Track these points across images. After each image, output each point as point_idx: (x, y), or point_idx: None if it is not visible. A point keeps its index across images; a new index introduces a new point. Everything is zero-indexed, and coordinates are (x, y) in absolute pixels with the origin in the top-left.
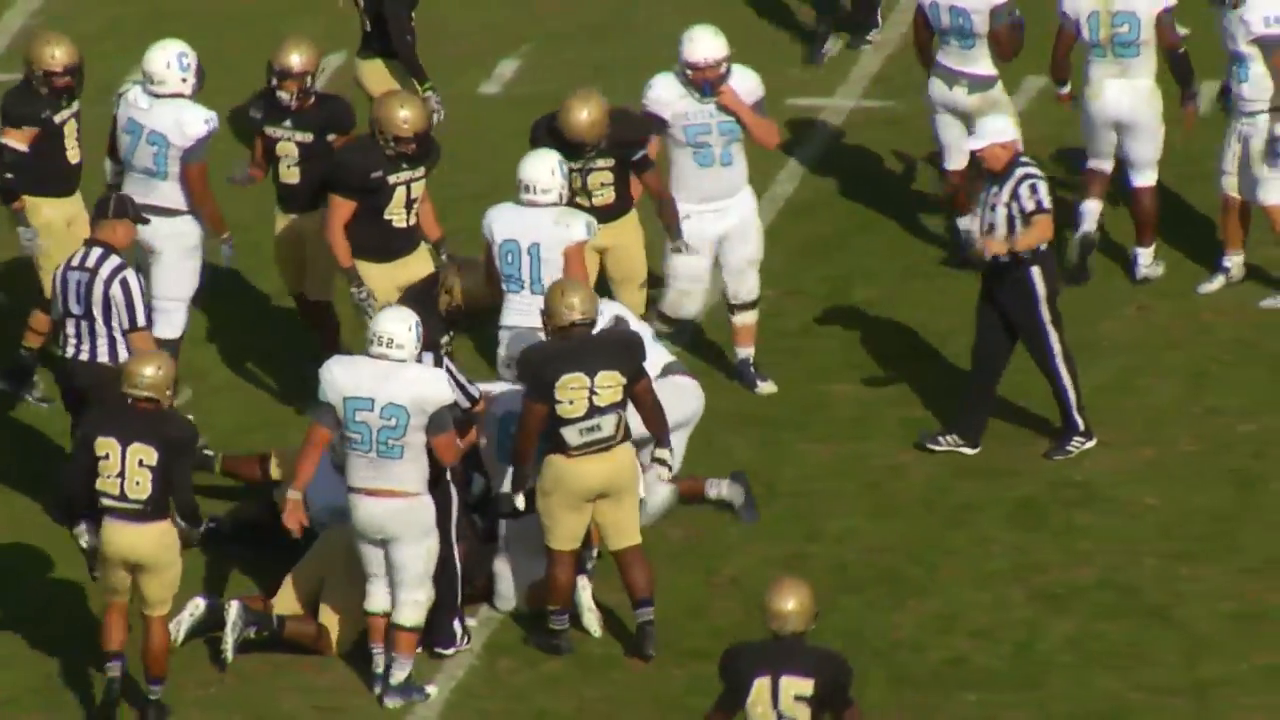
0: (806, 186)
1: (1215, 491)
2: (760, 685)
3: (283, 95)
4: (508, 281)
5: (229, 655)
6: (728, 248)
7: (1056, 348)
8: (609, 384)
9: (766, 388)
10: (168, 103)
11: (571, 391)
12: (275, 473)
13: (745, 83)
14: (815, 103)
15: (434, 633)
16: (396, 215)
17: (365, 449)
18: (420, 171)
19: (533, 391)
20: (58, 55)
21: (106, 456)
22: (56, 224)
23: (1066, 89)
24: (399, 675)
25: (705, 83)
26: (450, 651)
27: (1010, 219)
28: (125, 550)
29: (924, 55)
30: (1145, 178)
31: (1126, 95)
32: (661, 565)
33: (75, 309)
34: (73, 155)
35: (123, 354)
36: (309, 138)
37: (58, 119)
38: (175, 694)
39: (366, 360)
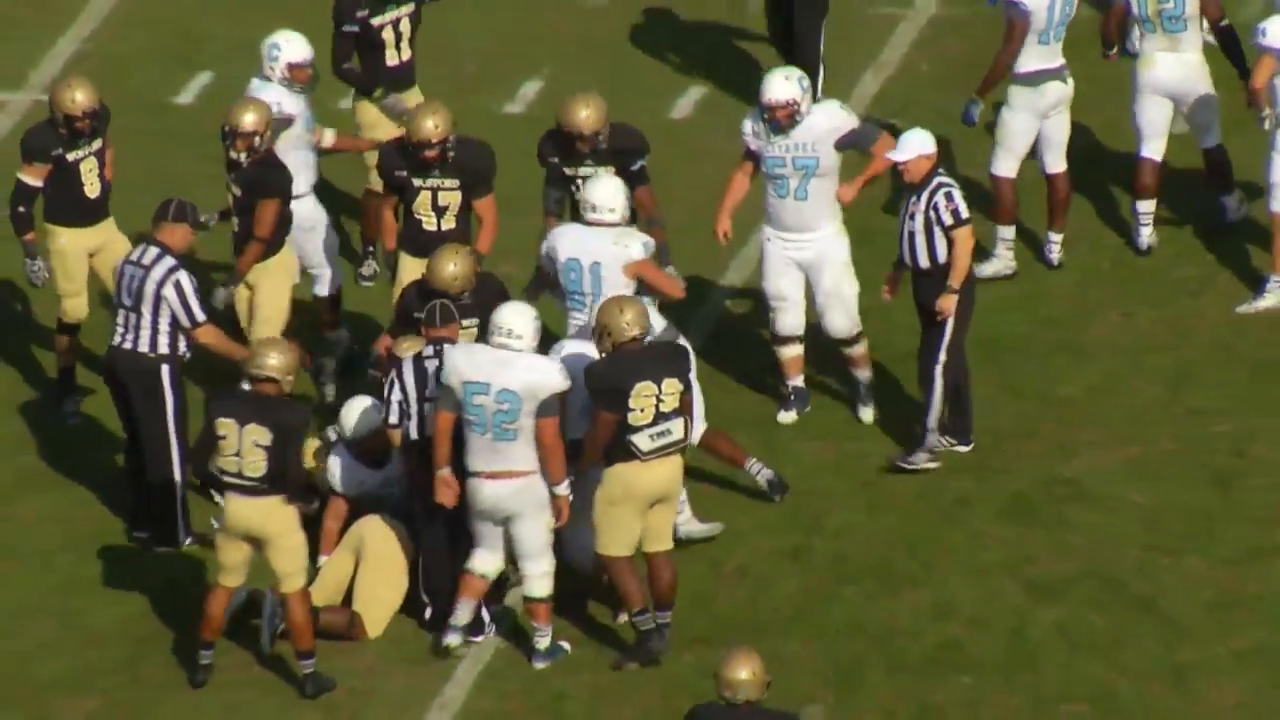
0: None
1: (1195, 488)
2: None
3: (232, 154)
4: (570, 297)
5: (266, 644)
6: (811, 280)
7: (942, 358)
8: (671, 390)
9: (787, 417)
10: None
11: (643, 399)
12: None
13: (830, 118)
14: None
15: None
16: (425, 217)
17: (482, 431)
18: (451, 182)
19: (606, 402)
20: (78, 99)
21: (225, 436)
22: (71, 251)
23: (1114, 50)
24: (542, 642)
25: (774, 122)
26: (480, 639)
27: (929, 227)
28: (244, 523)
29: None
30: (1211, 138)
31: (1177, 68)
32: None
33: (126, 301)
34: (90, 190)
35: (163, 346)
36: (239, 192)
37: (70, 157)
38: (219, 675)
39: (486, 348)
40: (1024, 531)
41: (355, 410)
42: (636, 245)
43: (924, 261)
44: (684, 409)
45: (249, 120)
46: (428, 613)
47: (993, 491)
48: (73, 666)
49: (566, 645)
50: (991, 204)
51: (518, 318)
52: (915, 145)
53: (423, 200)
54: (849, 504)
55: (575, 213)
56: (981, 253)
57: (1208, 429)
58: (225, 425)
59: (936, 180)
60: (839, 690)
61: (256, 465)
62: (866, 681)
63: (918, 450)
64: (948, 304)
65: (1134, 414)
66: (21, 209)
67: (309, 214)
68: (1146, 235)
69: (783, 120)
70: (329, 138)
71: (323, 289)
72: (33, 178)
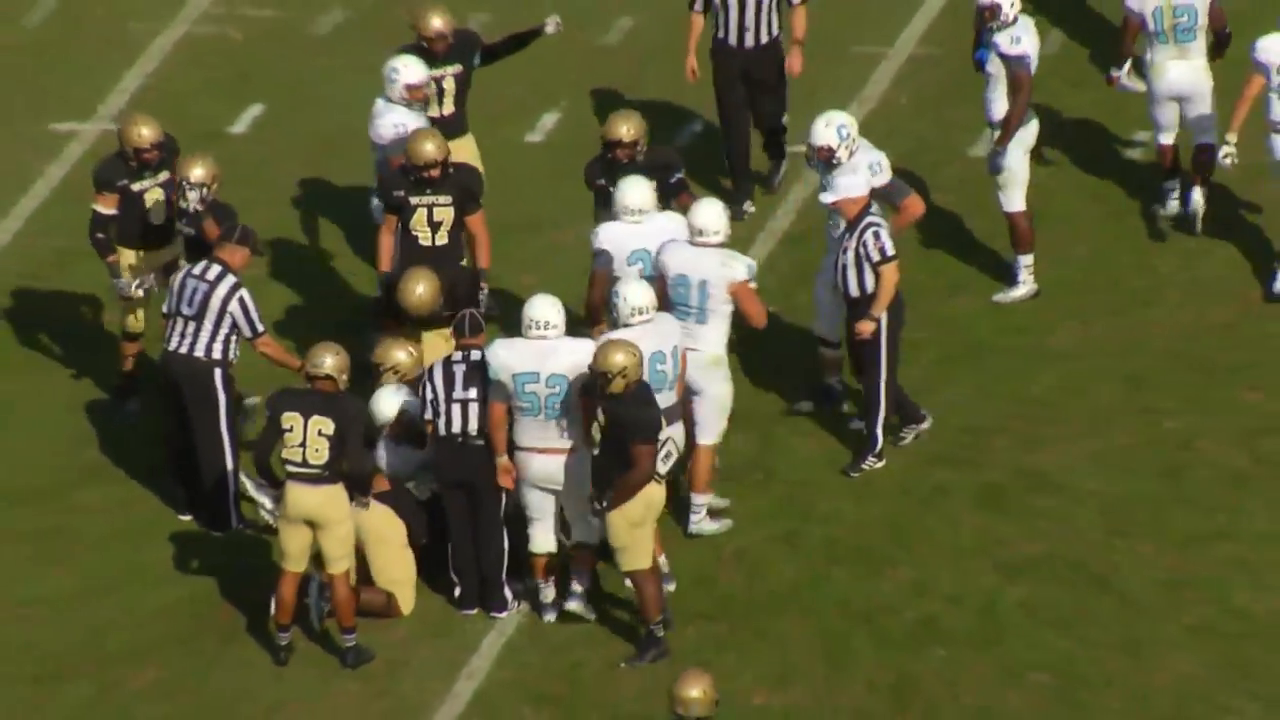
0: (800, 220)
1: (1147, 478)
2: None
3: (182, 203)
4: (676, 308)
5: (316, 621)
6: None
7: (884, 375)
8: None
9: (805, 406)
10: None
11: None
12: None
13: (869, 156)
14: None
15: (489, 599)
16: (421, 233)
17: (535, 414)
18: (445, 199)
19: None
20: (145, 134)
21: (290, 429)
22: (138, 272)
23: (1118, 73)
24: (579, 585)
25: (819, 162)
26: (504, 615)
27: (859, 261)
28: (304, 508)
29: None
30: (1208, 136)
31: (1187, 73)
32: (676, 540)
33: (186, 310)
34: (155, 217)
35: (216, 352)
36: (193, 233)
37: (136, 187)
38: (269, 646)
39: (525, 341)
40: (994, 517)
41: (382, 401)
42: (741, 268)
43: (854, 291)
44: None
45: (198, 174)
46: (456, 591)
47: (967, 482)
48: (134, 641)
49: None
50: (1014, 237)
51: (550, 310)
52: (843, 189)
53: (419, 217)
54: (837, 493)
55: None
56: (1009, 280)
57: (1159, 426)
58: (291, 419)
59: (867, 219)
60: (828, 661)
61: (321, 453)
62: (853, 653)
63: (868, 455)
64: (866, 327)
65: (1093, 412)
66: (100, 235)
67: None
68: (1175, 203)
69: (825, 161)
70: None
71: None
72: (105, 206)
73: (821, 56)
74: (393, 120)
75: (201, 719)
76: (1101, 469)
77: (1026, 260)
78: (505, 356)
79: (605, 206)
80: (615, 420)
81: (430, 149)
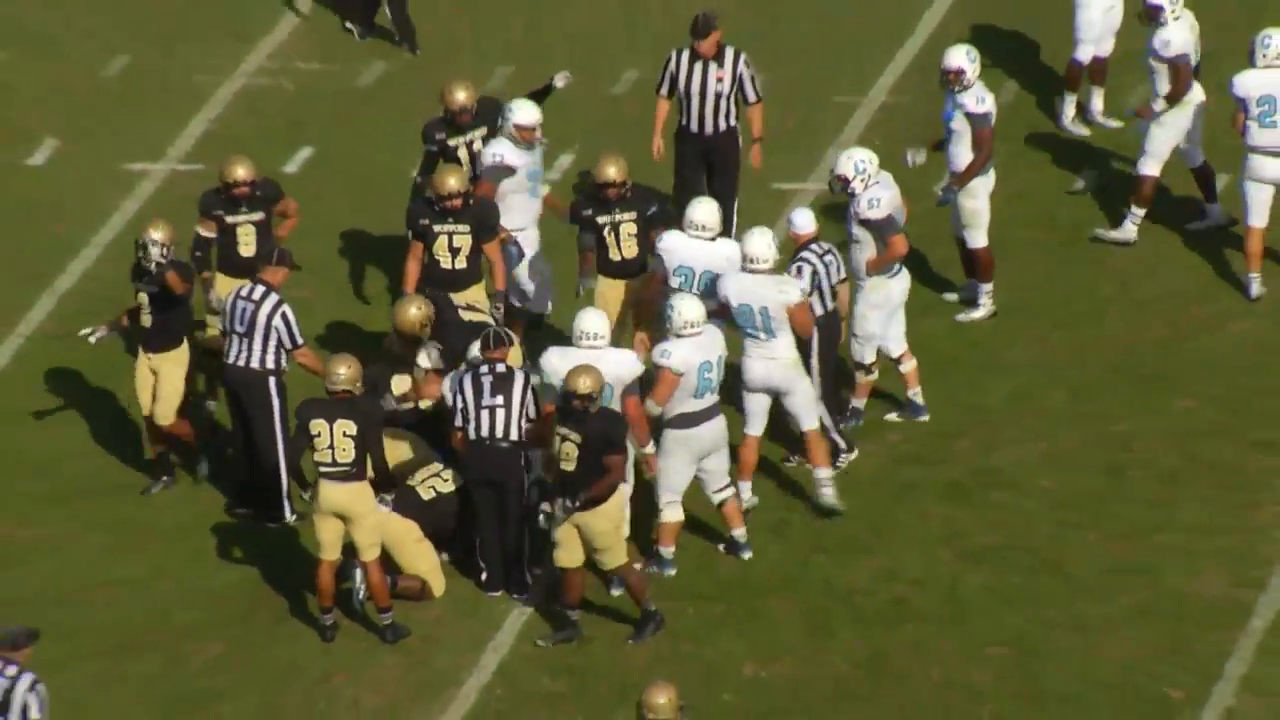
0: (786, 249)
1: (1092, 476)
2: None
3: (144, 262)
4: (748, 332)
5: (358, 603)
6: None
7: (819, 390)
8: None
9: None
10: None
11: None
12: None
13: (887, 192)
14: (793, 186)
15: (512, 582)
16: (443, 257)
17: None
18: (464, 228)
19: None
20: (239, 174)
21: (319, 434)
22: (224, 294)
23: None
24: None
25: (839, 189)
26: (525, 596)
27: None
28: (334, 503)
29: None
30: (1197, 158)
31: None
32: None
33: (239, 328)
34: (244, 250)
35: (269, 363)
36: (155, 290)
37: (229, 220)
38: (317, 624)
39: (576, 350)
40: (957, 510)
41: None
42: (795, 291)
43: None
44: None
45: (159, 235)
46: (483, 575)
47: (933, 479)
48: (199, 618)
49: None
50: (977, 268)
51: (599, 323)
52: (798, 223)
53: (440, 243)
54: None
55: (603, 253)
56: (972, 303)
57: (1103, 429)
58: (318, 425)
59: (801, 254)
60: (811, 637)
61: (347, 452)
62: (833, 630)
63: (837, 455)
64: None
65: (1043, 418)
66: (198, 254)
67: (530, 243)
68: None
69: (843, 189)
70: (543, 190)
71: (534, 307)
72: (204, 230)
73: (805, 105)
74: (493, 150)
75: (258, 688)
76: (1051, 468)
77: (987, 287)
78: (557, 363)
79: (590, 231)
80: (590, 435)
81: (452, 183)
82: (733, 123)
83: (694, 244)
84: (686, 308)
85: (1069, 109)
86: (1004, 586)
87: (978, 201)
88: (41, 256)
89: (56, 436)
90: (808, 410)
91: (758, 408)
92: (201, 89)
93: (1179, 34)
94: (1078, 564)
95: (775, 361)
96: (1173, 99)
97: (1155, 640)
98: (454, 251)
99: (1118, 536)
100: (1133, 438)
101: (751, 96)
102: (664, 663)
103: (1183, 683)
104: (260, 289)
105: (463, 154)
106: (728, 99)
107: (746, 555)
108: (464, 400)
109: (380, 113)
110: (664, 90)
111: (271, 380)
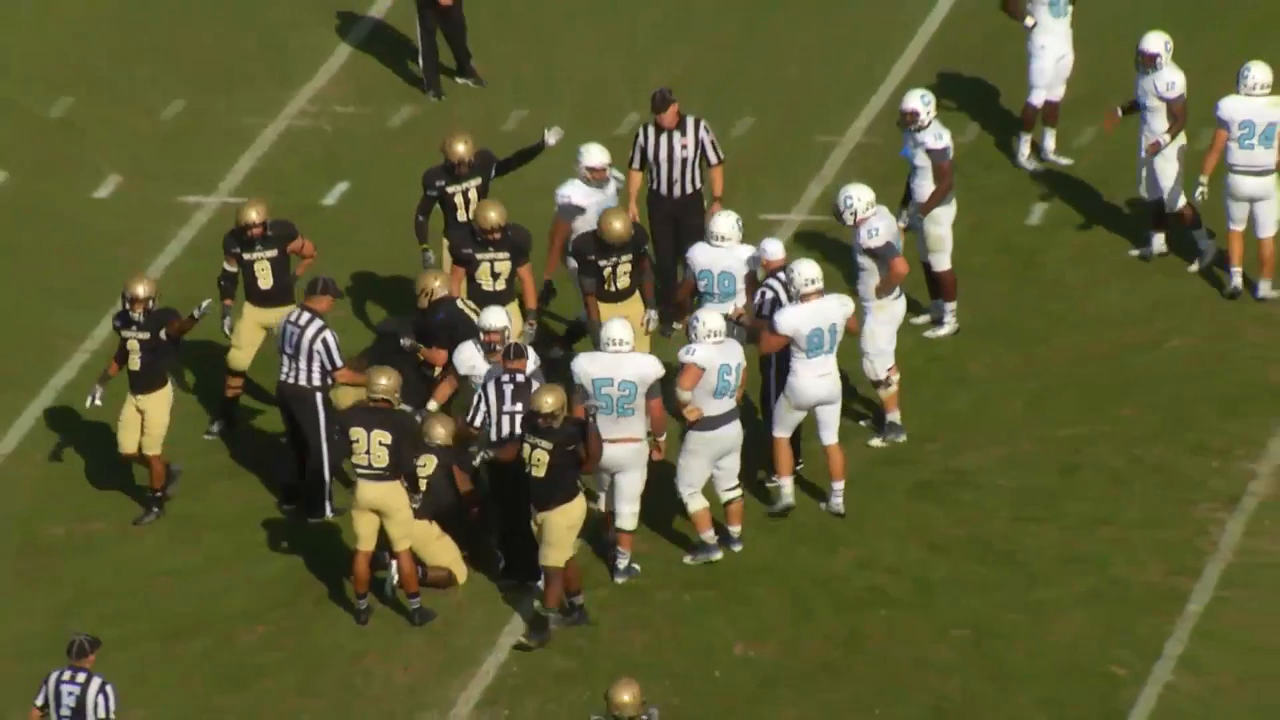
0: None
1: (1046, 476)
2: None
3: (132, 315)
4: (810, 350)
5: (389, 591)
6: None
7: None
8: None
9: (877, 441)
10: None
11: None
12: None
13: (883, 222)
14: (778, 216)
15: (529, 570)
16: (485, 281)
17: (609, 412)
18: (503, 255)
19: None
20: (253, 216)
21: (358, 440)
22: (247, 322)
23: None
24: (623, 562)
25: (839, 220)
26: (540, 583)
27: (759, 309)
28: (370, 500)
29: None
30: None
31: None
32: (677, 519)
33: (289, 350)
34: (263, 283)
35: (315, 380)
36: (147, 336)
37: (247, 257)
38: (353, 608)
39: (604, 355)
40: (925, 506)
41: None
42: (850, 305)
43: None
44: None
45: (141, 291)
46: (501, 564)
47: (903, 478)
48: (246, 603)
49: (637, 567)
50: (942, 289)
51: (624, 330)
52: (769, 250)
53: (484, 269)
54: (802, 488)
55: (599, 284)
56: (937, 321)
57: (1055, 434)
58: (357, 432)
59: (770, 281)
60: (795, 619)
61: (381, 458)
62: (814, 613)
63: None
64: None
65: (1002, 424)
66: (222, 283)
67: None
68: (1206, 251)
69: (840, 219)
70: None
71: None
72: (228, 265)
73: (790, 143)
74: (565, 191)
75: (300, 666)
76: (1009, 469)
77: (951, 306)
78: (587, 366)
79: (590, 274)
80: (557, 442)
81: (493, 217)
82: (698, 185)
83: (713, 251)
84: (710, 319)
85: (1024, 148)
86: (967, 574)
87: (941, 228)
88: (106, 279)
89: (113, 439)
90: (837, 422)
91: (798, 419)
92: (249, 130)
93: (1180, 75)
94: (1032, 554)
95: (829, 377)
96: (1174, 133)
97: (1101, 623)
98: (495, 276)
99: (1068, 530)
100: (1081, 442)
101: (713, 159)
102: (662, 644)
103: (1126, 661)
104: (306, 315)
105: (459, 200)
106: (693, 164)
107: (737, 548)
108: (488, 405)
109: (409, 151)
110: (635, 163)
111: (318, 395)
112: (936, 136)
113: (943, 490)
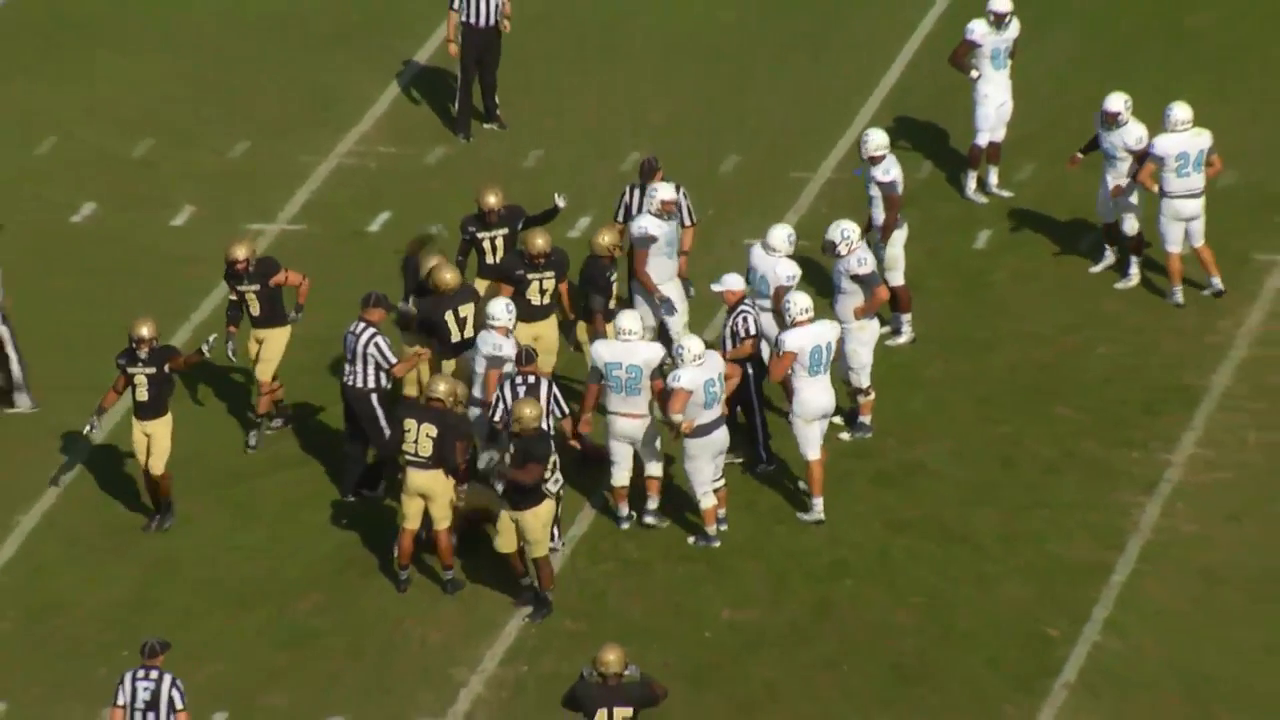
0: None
1: (989, 466)
2: (601, 714)
3: (139, 353)
4: (812, 367)
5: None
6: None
7: (759, 419)
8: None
9: (846, 436)
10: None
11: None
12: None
13: (869, 252)
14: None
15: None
16: (533, 297)
17: (619, 391)
18: (550, 274)
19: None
20: (239, 254)
21: (409, 430)
22: (249, 342)
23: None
24: (653, 504)
25: (828, 252)
26: (557, 550)
27: (733, 335)
28: (417, 485)
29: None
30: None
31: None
32: (680, 510)
33: (349, 356)
34: (253, 310)
35: (371, 383)
36: (153, 371)
37: (238, 289)
38: (395, 579)
39: (616, 342)
40: (885, 492)
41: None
42: (839, 328)
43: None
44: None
45: (146, 332)
46: (555, 531)
47: (866, 468)
48: (302, 575)
49: (661, 523)
50: (899, 303)
51: (634, 321)
52: (728, 283)
53: (534, 288)
54: (778, 476)
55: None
56: (896, 331)
57: (996, 430)
58: (409, 423)
59: (741, 307)
60: (773, 589)
61: (427, 448)
62: (789, 584)
63: (759, 465)
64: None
65: (953, 422)
66: (229, 312)
67: (675, 295)
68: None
69: (830, 252)
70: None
71: (673, 327)
72: (232, 295)
73: (768, 180)
74: (642, 224)
75: (350, 629)
76: (958, 460)
77: (907, 317)
78: (602, 351)
79: (603, 295)
80: (520, 448)
81: (540, 243)
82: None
83: (767, 259)
84: (693, 345)
85: (972, 183)
86: (922, 551)
87: (895, 248)
88: (182, 296)
89: (190, 435)
90: (821, 439)
91: (815, 434)
92: (304, 167)
93: (1144, 128)
94: (978, 533)
95: (829, 391)
96: (1139, 178)
97: (1038, 592)
98: (543, 293)
99: (1009, 512)
100: (1021, 437)
101: (686, 221)
102: (659, 610)
103: (1059, 624)
104: (361, 325)
105: (487, 245)
106: (671, 228)
107: (724, 528)
108: (505, 403)
109: (442, 185)
110: (620, 217)
111: (373, 396)
112: (885, 171)
113: (900, 478)
